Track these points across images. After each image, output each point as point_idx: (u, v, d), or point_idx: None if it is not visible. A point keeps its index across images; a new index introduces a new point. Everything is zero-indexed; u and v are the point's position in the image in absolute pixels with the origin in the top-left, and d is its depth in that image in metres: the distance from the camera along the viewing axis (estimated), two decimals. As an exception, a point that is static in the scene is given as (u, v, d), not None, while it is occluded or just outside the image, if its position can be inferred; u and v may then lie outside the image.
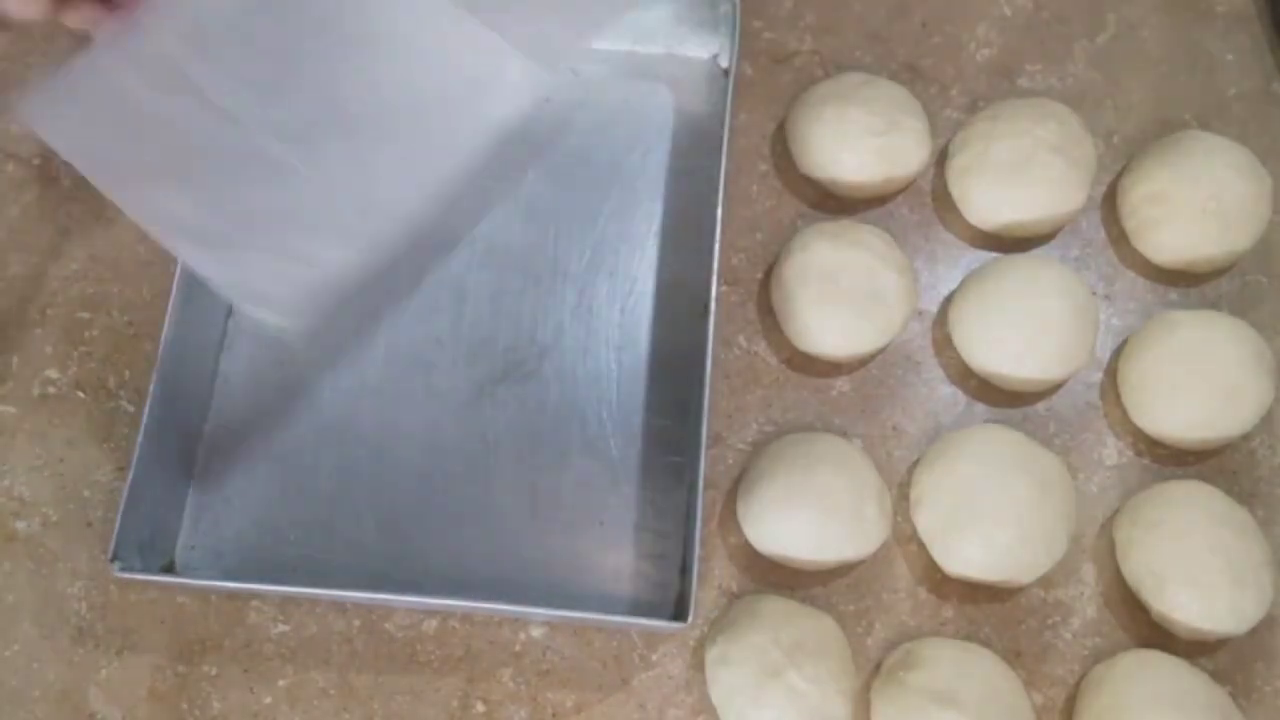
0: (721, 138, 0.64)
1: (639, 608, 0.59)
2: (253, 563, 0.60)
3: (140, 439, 0.57)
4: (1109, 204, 0.68)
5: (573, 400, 0.63)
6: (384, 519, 0.61)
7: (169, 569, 0.60)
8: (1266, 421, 0.62)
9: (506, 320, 0.65)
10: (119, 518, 0.56)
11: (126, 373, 0.65)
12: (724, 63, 0.69)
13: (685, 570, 0.58)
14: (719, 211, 0.62)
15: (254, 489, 0.61)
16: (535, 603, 0.58)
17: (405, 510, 0.61)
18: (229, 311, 0.64)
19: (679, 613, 0.56)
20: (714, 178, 0.64)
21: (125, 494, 0.56)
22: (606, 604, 0.59)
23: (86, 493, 0.63)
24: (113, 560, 0.55)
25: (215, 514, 0.61)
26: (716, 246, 0.61)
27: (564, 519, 0.61)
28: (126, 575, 0.56)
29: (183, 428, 0.61)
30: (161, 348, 0.59)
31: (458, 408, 0.63)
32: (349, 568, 0.60)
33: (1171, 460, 0.63)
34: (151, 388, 0.58)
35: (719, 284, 0.61)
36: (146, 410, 0.58)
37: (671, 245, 0.66)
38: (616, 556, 0.60)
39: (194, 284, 0.61)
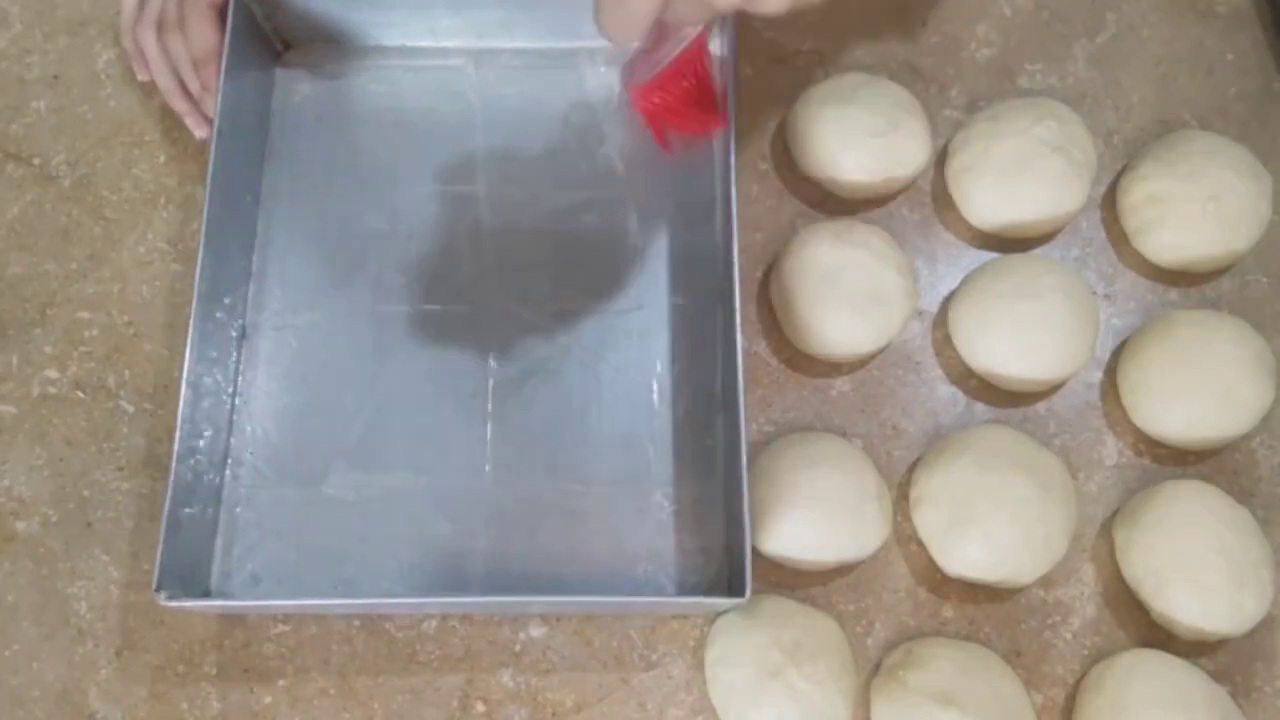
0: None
1: (683, 593, 0.59)
2: (289, 579, 0.60)
3: (173, 466, 0.57)
4: (1109, 204, 0.68)
5: (597, 396, 0.63)
6: (416, 522, 0.61)
7: (206, 592, 0.60)
8: (1266, 421, 0.62)
9: (524, 321, 0.65)
10: (160, 548, 0.55)
11: (126, 373, 0.65)
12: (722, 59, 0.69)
13: (731, 547, 0.58)
14: (734, 201, 0.61)
15: (283, 506, 0.61)
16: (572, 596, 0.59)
17: (437, 514, 0.61)
18: (242, 333, 0.64)
19: (735, 589, 0.56)
20: (714, 177, 0.63)
21: (164, 523, 0.56)
22: (643, 593, 0.60)
23: (86, 493, 0.63)
24: (157, 591, 0.55)
25: (249, 535, 0.61)
26: (735, 236, 0.60)
27: (596, 514, 0.61)
28: (175, 604, 0.55)
29: (209, 453, 0.61)
30: (184, 374, 0.58)
31: (486, 412, 0.63)
32: (380, 574, 0.60)
33: (1171, 460, 0.63)
34: (179, 415, 0.58)
35: (738, 278, 0.60)
36: (176, 440, 0.57)
37: (680, 243, 0.66)
38: (651, 546, 0.60)
39: (210, 308, 0.61)
